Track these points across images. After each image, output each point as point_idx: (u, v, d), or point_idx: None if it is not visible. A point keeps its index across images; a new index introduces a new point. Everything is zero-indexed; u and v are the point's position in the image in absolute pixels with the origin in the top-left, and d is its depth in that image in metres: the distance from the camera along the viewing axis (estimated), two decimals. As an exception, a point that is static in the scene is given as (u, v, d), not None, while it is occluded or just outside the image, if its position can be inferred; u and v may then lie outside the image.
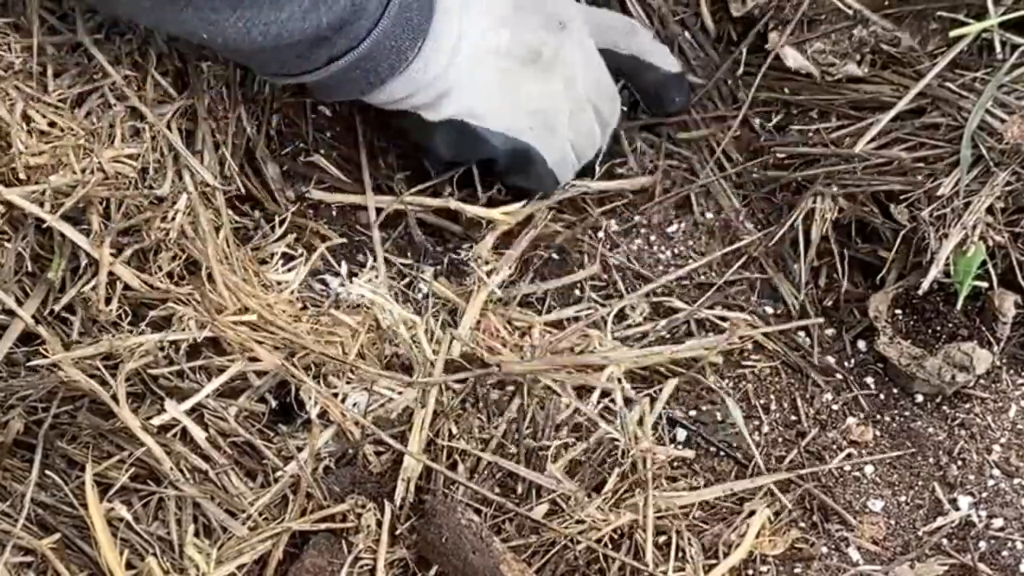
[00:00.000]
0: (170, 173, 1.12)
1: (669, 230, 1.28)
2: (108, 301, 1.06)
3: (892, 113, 1.24)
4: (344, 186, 1.26)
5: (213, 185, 1.14)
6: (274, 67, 1.12)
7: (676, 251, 1.27)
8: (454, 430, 1.07)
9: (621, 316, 1.21)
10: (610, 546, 1.05)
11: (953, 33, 1.25)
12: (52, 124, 1.10)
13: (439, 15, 1.12)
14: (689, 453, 1.13)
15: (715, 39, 1.33)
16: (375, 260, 1.22)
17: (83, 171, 1.08)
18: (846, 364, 1.20)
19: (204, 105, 1.17)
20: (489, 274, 1.20)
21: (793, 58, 1.29)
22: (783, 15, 1.30)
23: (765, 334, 1.21)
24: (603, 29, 1.26)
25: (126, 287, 1.07)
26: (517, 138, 1.19)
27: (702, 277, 1.25)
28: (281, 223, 1.20)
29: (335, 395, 1.07)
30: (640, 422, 1.11)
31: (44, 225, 1.06)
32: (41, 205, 1.06)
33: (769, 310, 1.23)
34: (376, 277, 1.20)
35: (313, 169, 1.27)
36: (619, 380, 1.13)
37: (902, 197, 1.20)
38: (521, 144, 1.19)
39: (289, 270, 1.17)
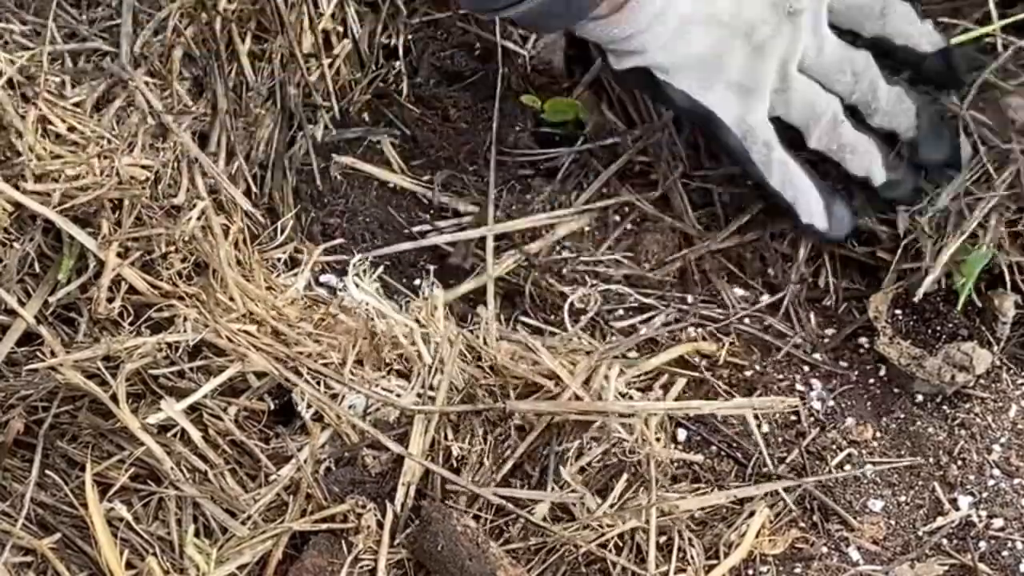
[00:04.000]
0: (184, 178, 1.13)
1: (664, 227, 1.28)
2: (111, 300, 1.06)
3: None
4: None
5: (228, 190, 1.15)
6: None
7: (671, 247, 1.26)
8: (453, 435, 1.07)
9: (619, 318, 1.21)
10: (611, 548, 1.05)
11: (955, 40, 1.25)
12: (71, 128, 1.10)
13: None
14: (698, 458, 1.12)
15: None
16: (377, 264, 1.23)
17: (100, 173, 1.09)
18: (846, 364, 1.20)
19: (223, 110, 1.18)
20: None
21: (793, 60, 1.29)
22: (783, 16, 1.30)
23: (763, 330, 1.21)
24: (849, 10, 1.22)
25: (130, 288, 1.08)
26: (698, 100, 1.18)
27: (698, 277, 1.25)
28: (284, 228, 1.21)
29: (333, 396, 1.07)
30: (646, 422, 1.11)
31: (54, 227, 1.07)
32: (53, 207, 1.06)
33: (770, 312, 1.23)
34: (377, 281, 1.20)
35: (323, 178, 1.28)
36: (625, 385, 1.13)
37: (902, 198, 1.20)
38: (702, 107, 1.18)
39: (295, 275, 1.18)
